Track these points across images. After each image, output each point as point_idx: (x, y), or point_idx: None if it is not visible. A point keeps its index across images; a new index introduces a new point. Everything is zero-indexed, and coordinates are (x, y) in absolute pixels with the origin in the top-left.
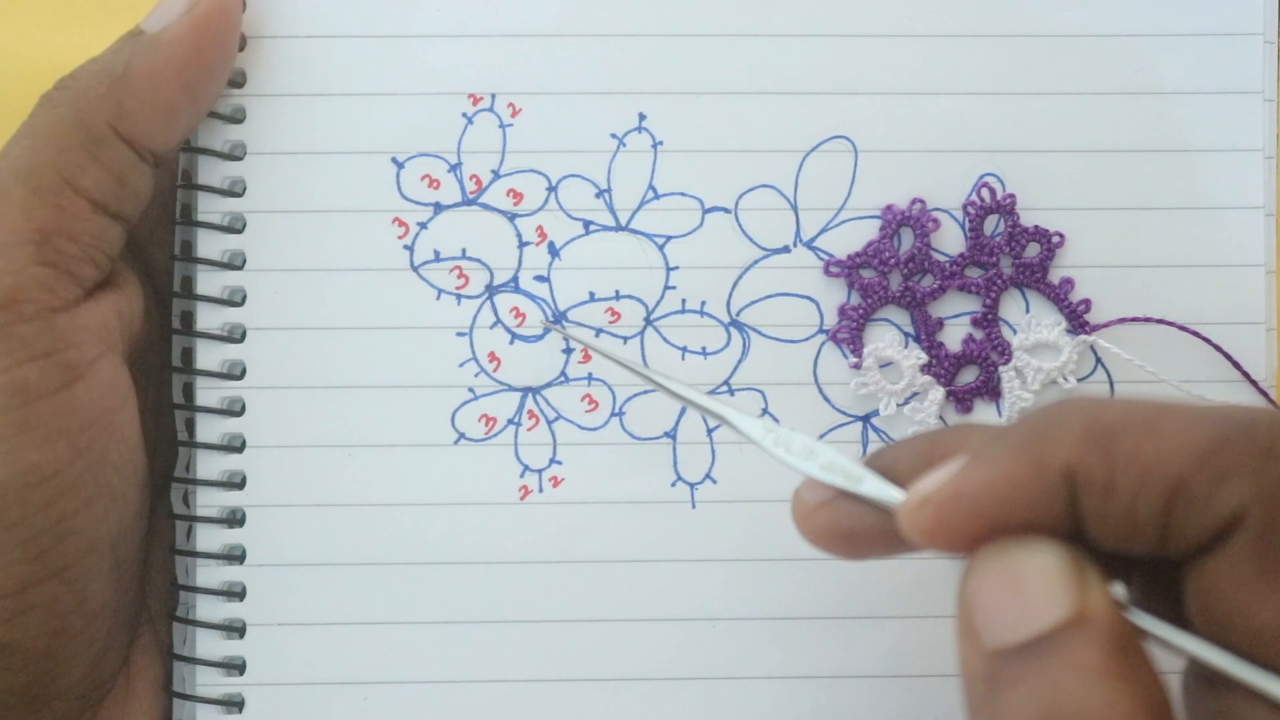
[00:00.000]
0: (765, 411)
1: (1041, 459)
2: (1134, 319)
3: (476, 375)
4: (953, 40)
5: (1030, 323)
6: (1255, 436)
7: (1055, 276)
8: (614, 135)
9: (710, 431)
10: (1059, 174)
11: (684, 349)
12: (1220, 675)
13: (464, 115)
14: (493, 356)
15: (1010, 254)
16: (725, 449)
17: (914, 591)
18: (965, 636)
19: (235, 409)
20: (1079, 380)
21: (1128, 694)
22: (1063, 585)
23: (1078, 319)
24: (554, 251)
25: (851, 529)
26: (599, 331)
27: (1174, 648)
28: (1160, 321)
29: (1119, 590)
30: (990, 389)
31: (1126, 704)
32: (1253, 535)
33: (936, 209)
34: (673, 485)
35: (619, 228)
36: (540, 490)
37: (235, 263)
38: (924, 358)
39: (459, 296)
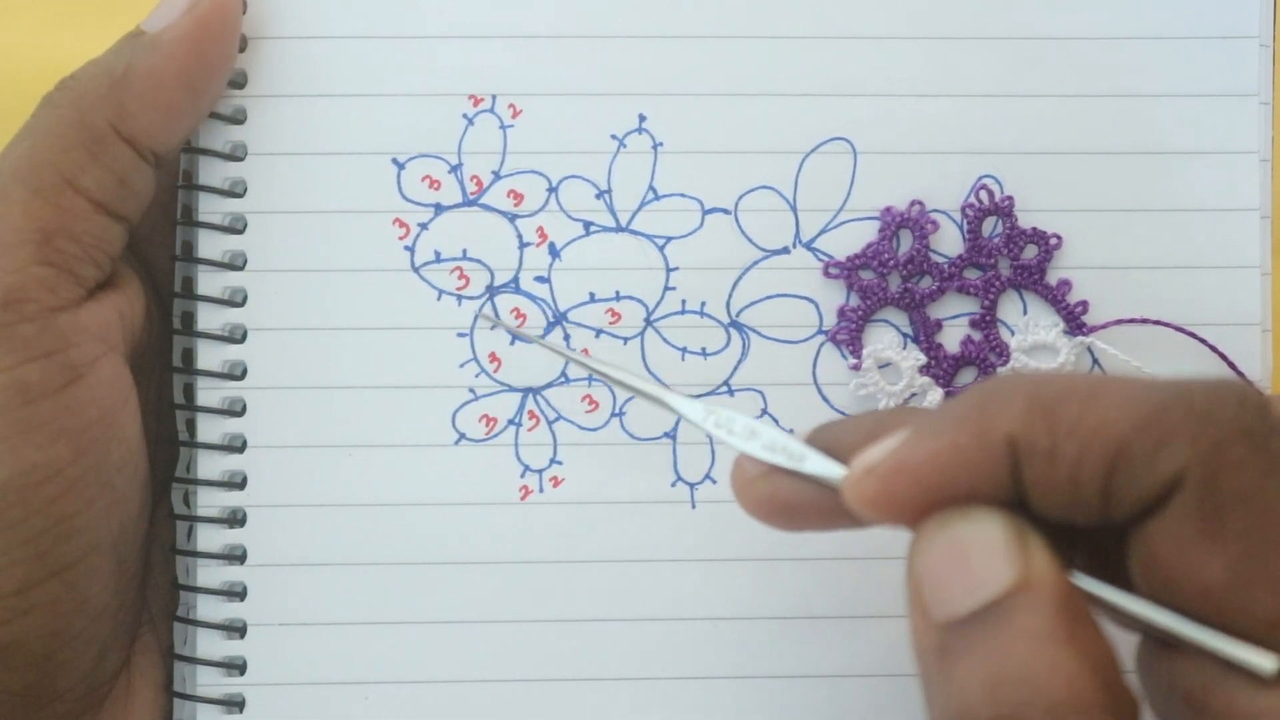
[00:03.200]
0: (765, 412)
1: (984, 429)
2: (1131, 320)
3: (477, 376)
4: (951, 42)
5: (1028, 324)
6: (1193, 402)
7: (1053, 278)
8: (614, 136)
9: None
10: (1057, 176)
11: (684, 349)
12: (1171, 639)
13: (464, 116)
14: (493, 357)
15: (1008, 255)
16: (725, 449)
17: None
18: (915, 610)
19: (236, 409)
20: None
21: (1073, 655)
22: (1006, 553)
23: (1075, 320)
24: (554, 252)
25: (790, 501)
26: (599, 332)
27: (1119, 610)
28: (1157, 323)
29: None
30: None
31: (1072, 665)
32: (1192, 497)
33: (935, 210)
34: (673, 485)
35: (619, 229)
36: (540, 490)
37: (236, 263)
38: (922, 359)
39: (459, 297)
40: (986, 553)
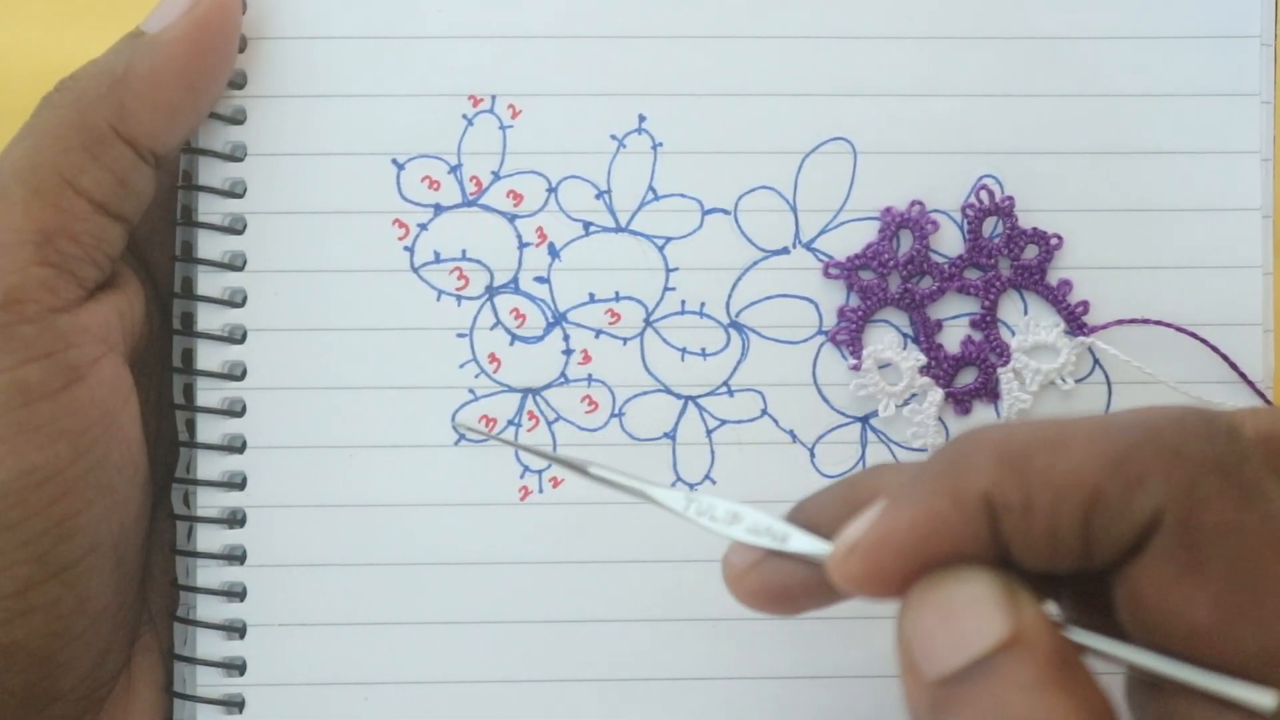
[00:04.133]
0: (765, 412)
1: (958, 490)
2: (1132, 320)
3: (477, 376)
4: (951, 42)
5: (1029, 324)
6: (1162, 439)
7: (1053, 278)
8: (614, 136)
9: (710, 432)
10: (1057, 176)
11: (683, 350)
12: (1161, 679)
13: (464, 117)
14: (493, 357)
15: (1009, 256)
16: (725, 450)
17: None
18: (907, 673)
19: (236, 410)
20: (1077, 381)
21: (1071, 703)
22: (995, 609)
23: (1076, 320)
24: (554, 252)
25: (784, 585)
26: (599, 332)
27: (1112, 658)
28: (1158, 323)
29: (1052, 609)
30: (989, 390)
31: (1069, 712)
32: (1171, 536)
33: (935, 211)
34: (673, 485)
35: (619, 229)
36: (540, 491)
37: (236, 264)
38: (923, 359)
39: (459, 297)
40: (975, 610)
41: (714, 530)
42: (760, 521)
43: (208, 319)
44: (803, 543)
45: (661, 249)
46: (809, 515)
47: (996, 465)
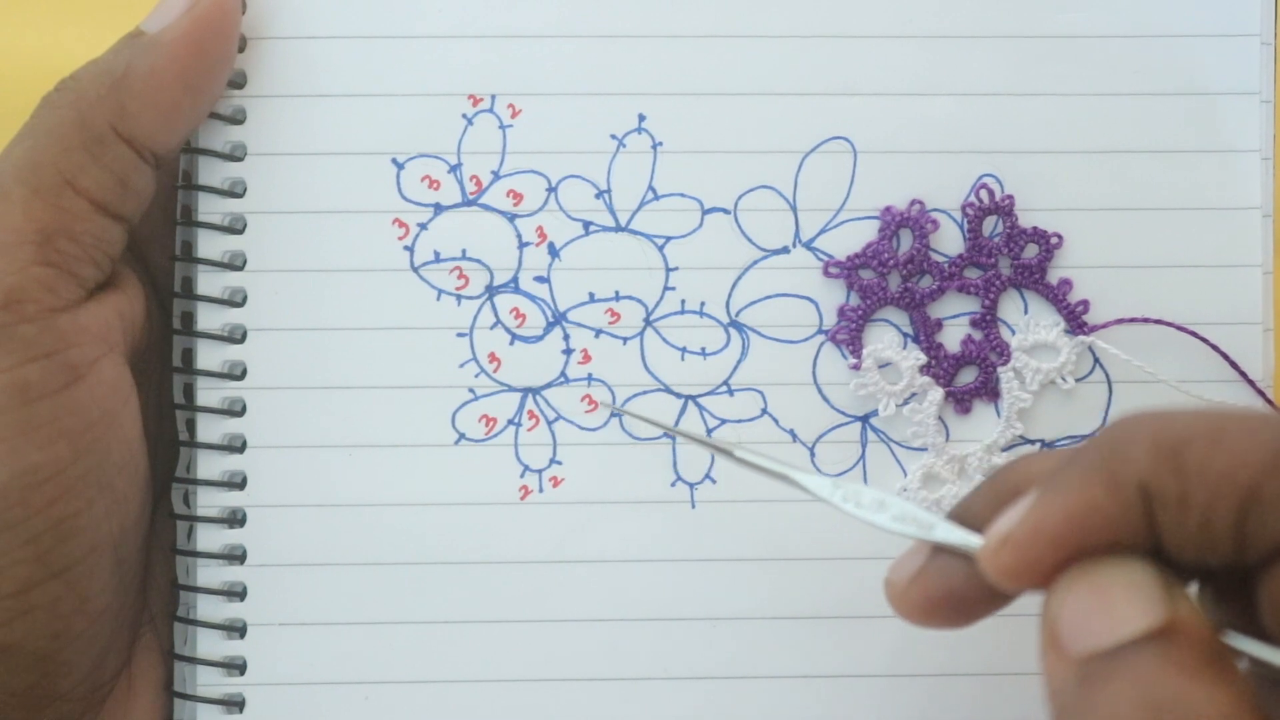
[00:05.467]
0: (765, 412)
1: (1115, 479)
2: (1132, 319)
3: (477, 376)
4: (952, 41)
5: (1029, 323)
6: None
7: (1053, 277)
8: (614, 136)
9: (710, 432)
10: (1057, 175)
11: (683, 349)
12: None
13: (464, 116)
14: (493, 357)
15: (1009, 255)
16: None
17: None
18: (1051, 650)
19: (236, 409)
20: (1077, 380)
21: (1228, 692)
22: (1151, 596)
23: (1076, 320)
24: (554, 252)
25: (946, 593)
26: (599, 332)
27: (1262, 662)
28: (1158, 322)
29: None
30: (989, 389)
31: (1228, 700)
32: None
33: (935, 210)
34: (673, 485)
35: (619, 228)
36: (540, 490)
37: (236, 263)
38: (923, 358)
39: (459, 297)
40: (1131, 595)
41: (860, 517)
42: (906, 510)
43: (208, 319)
44: (949, 532)
45: (661, 248)
46: (959, 511)
47: (1153, 455)
